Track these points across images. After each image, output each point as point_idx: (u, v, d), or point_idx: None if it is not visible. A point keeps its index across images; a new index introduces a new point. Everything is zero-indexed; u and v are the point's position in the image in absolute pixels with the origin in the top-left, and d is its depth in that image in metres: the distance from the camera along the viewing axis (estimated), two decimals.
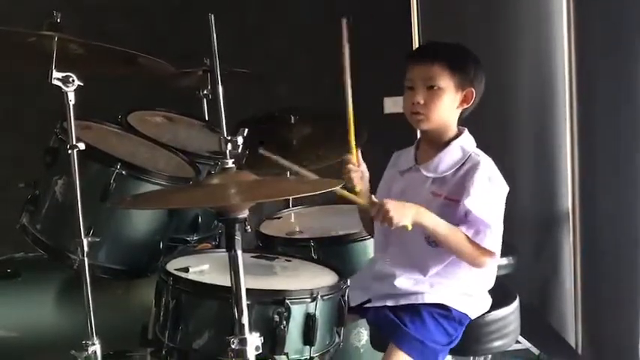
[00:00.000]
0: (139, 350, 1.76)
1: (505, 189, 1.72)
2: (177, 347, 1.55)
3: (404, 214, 1.60)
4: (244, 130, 1.35)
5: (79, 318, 1.68)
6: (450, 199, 1.69)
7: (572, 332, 2.83)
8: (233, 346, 1.31)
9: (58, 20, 1.59)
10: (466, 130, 1.78)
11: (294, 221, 2.39)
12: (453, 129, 1.76)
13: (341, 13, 3.53)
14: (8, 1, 3.12)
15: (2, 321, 1.87)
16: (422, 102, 1.69)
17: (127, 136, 2.09)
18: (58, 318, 1.92)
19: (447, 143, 1.75)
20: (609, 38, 2.32)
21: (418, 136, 1.90)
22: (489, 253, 1.66)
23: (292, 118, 2.57)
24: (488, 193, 1.67)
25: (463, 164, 1.71)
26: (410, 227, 1.61)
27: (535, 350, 2.64)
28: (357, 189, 1.71)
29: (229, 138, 1.33)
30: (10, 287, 1.93)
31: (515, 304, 1.85)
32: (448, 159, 1.73)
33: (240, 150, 1.35)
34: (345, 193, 1.68)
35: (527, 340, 2.62)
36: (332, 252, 2.04)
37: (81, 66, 1.68)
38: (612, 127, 2.37)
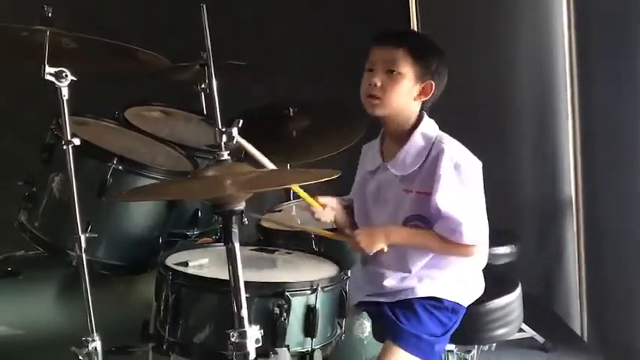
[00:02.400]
0: (141, 345, 1.76)
1: (477, 166, 1.67)
2: (178, 342, 1.54)
3: (374, 241, 1.65)
4: (239, 122, 1.34)
5: (81, 315, 1.67)
6: (420, 193, 1.66)
7: (578, 320, 2.83)
8: (233, 340, 1.30)
9: (50, 14, 1.58)
10: (425, 114, 1.73)
11: (295, 214, 2.38)
12: (412, 118, 1.71)
13: (340, 6, 3.50)
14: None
15: (4, 319, 1.87)
16: (379, 84, 1.66)
17: (124, 132, 2.08)
18: (59, 315, 1.91)
19: (409, 134, 1.70)
20: (609, 30, 2.31)
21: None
22: (470, 246, 1.64)
23: (291, 110, 2.56)
24: (457, 185, 1.63)
25: (428, 154, 1.67)
26: (385, 249, 1.65)
27: (540, 338, 2.63)
28: (332, 221, 1.78)
29: (224, 130, 1.31)
30: (10, 285, 1.92)
31: (518, 291, 1.84)
32: (412, 151, 1.69)
33: (236, 142, 1.34)
34: (325, 232, 1.79)
35: (532, 329, 2.61)
36: (333, 244, 2.03)
37: (75, 61, 1.67)
38: (613, 114, 2.36)
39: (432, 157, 1.66)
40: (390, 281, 1.72)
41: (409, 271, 1.71)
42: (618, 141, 2.33)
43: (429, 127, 1.71)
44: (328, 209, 1.77)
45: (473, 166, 1.66)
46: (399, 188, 1.70)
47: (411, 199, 1.68)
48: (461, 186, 1.63)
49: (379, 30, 1.72)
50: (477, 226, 1.64)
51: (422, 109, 1.73)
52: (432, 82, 1.68)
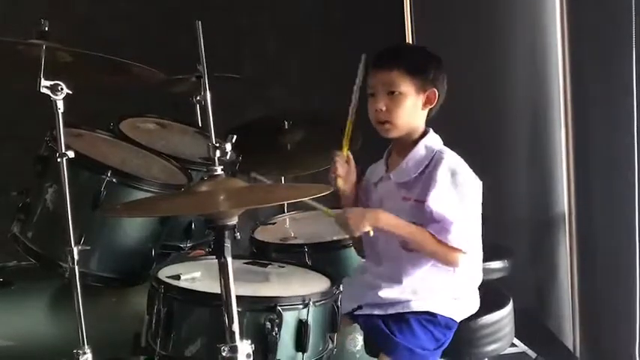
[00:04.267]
0: (132, 358, 1.75)
1: (476, 183, 1.70)
2: (170, 355, 1.54)
3: (362, 220, 1.65)
4: (233, 137, 1.35)
5: (73, 327, 1.67)
6: (418, 201, 1.69)
7: (570, 335, 2.82)
8: (224, 354, 1.30)
9: (46, 28, 1.59)
10: (431, 129, 1.77)
11: (288, 227, 2.39)
12: (419, 130, 1.76)
13: (335, 17, 3.53)
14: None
15: None
16: (384, 108, 1.70)
17: (119, 144, 2.08)
18: (51, 327, 1.90)
19: (414, 145, 1.74)
20: (602, 40, 2.32)
21: None
22: (457, 250, 1.65)
23: (286, 123, 2.58)
24: (451, 189, 1.66)
25: (428, 164, 1.71)
26: (371, 232, 1.65)
27: (532, 353, 2.63)
28: (339, 184, 1.75)
29: (217, 144, 1.32)
30: (2, 296, 1.92)
31: (509, 307, 1.85)
32: (413, 160, 1.73)
33: (229, 156, 1.35)
34: (314, 203, 1.74)
35: (524, 344, 2.61)
36: (326, 257, 2.04)
37: (71, 74, 1.67)
38: (607, 129, 2.37)
39: (431, 166, 1.70)
40: (386, 292, 1.73)
41: (404, 282, 1.72)
42: (612, 155, 2.35)
43: (432, 139, 1.75)
44: (346, 166, 1.76)
45: (470, 181, 1.69)
46: (400, 196, 1.73)
47: (409, 206, 1.70)
48: (454, 192, 1.66)
49: (375, 54, 1.75)
50: (465, 232, 1.65)
51: (429, 117, 1.76)
52: (435, 89, 1.72)
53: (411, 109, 1.70)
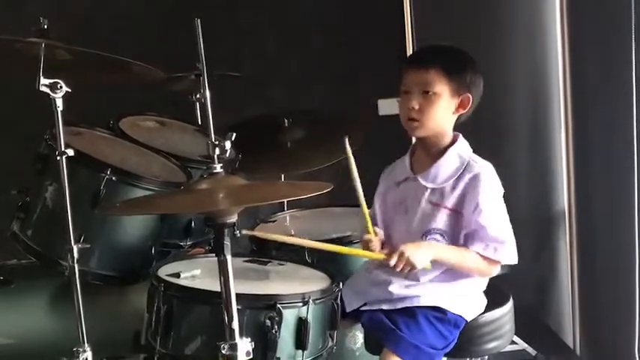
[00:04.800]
0: (132, 357, 1.75)
1: (502, 191, 1.72)
2: (170, 353, 1.55)
3: (422, 257, 1.63)
4: (232, 135, 1.34)
5: (73, 325, 1.67)
6: (452, 210, 1.69)
7: (570, 333, 2.82)
8: (224, 352, 1.31)
9: (45, 27, 1.59)
10: (460, 135, 1.76)
11: (288, 224, 2.39)
12: (449, 135, 1.75)
13: (335, 16, 3.52)
14: None
15: None
16: (417, 107, 1.68)
17: (118, 142, 2.08)
18: (51, 325, 1.91)
19: (444, 151, 1.73)
20: (602, 39, 2.32)
21: (413, 140, 1.88)
22: (498, 262, 1.69)
23: (286, 121, 2.57)
24: (495, 205, 1.68)
25: (462, 173, 1.70)
26: (430, 265, 1.65)
27: (532, 351, 2.63)
28: (383, 251, 1.71)
29: (217, 142, 1.32)
30: (2, 295, 1.92)
31: (509, 305, 1.85)
32: (446, 168, 1.72)
33: (228, 154, 1.35)
34: (363, 252, 1.74)
35: (524, 341, 2.61)
36: (326, 255, 2.03)
37: (70, 72, 1.67)
38: (607, 127, 2.36)
39: (467, 178, 1.69)
40: (396, 288, 1.72)
41: (417, 280, 1.72)
42: (612, 153, 2.34)
43: (463, 147, 1.74)
44: (377, 240, 1.74)
45: (501, 191, 1.71)
46: (427, 201, 1.72)
47: (439, 213, 1.69)
48: (498, 207, 1.69)
49: (413, 52, 1.75)
50: (514, 246, 1.69)
51: (457, 122, 1.75)
52: (469, 95, 1.71)
53: (443, 111, 1.69)
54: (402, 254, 1.61)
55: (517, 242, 2.87)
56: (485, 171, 1.70)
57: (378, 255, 1.68)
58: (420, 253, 1.62)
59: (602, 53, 2.32)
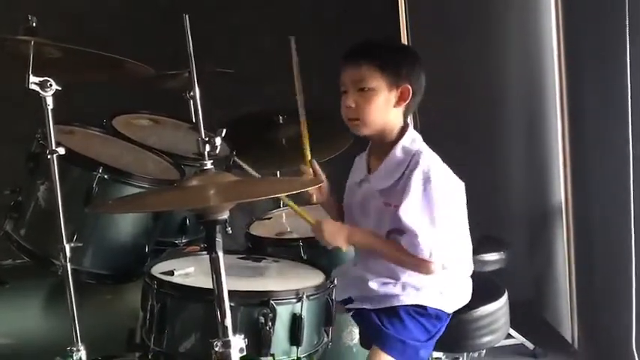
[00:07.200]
0: (127, 355, 1.75)
1: (452, 186, 1.66)
2: (164, 351, 1.54)
3: (335, 236, 1.65)
4: (222, 131, 1.34)
5: (67, 324, 1.67)
6: (397, 207, 1.64)
7: (568, 326, 2.82)
8: (217, 349, 1.30)
9: (34, 24, 1.58)
10: (409, 126, 1.71)
11: (284, 221, 2.38)
12: (396, 129, 1.70)
13: (330, 14, 3.52)
14: None
15: None
16: (353, 105, 1.65)
17: (111, 140, 2.08)
18: (46, 325, 1.91)
19: (392, 147, 1.69)
20: (597, 34, 2.31)
21: None
22: (427, 261, 1.62)
23: (280, 118, 2.57)
24: (422, 198, 1.61)
25: (407, 168, 1.65)
26: (345, 249, 1.66)
27: (530, 345, 2.63)
28: (315, 199, 1.74)
29: (207, 139, 1.31)
30: None
31: (504, 299, 1.84)
32: (391, 165, 1.68)
33: (221, 151, 1.34)
34: (295, 207, 1.75)
35: (522, 335, 2.61)
36: (321, 252, 2.02)
37: (61, 71, 1.67)
38: (602, 121, 2.36)
39: (408, 170, 1.64)
40: (374, 285, 1.72)
41: (394, 279, 1.71)
42: (607, 147, 2.34)
43: (411, 140, 1.69)
44: (324, 190, 1.76)
45: (442, 186, 1.63)
46: (380, 201, 1.70)
47: (390, 212, 1.66)
48: (425, 201, 1.61)
49: (345, 51, 1.70)
50: (434, 242, 1.61)
51: (406, 115, 1.72)
52: (408, 86, 1.66)
53: (383, 106, 1.65)
54: (319, 226, 1.65)
55: (514, 237, 2.88)
56: (425, 162, 1.63)
57: (311, 220, 1.71)
58: (334, 233, 1.65)
59: (597, 48, 2.32)
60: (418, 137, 1.71)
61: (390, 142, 1.70)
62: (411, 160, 1.65)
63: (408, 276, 1.70)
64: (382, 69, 1.64)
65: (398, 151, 1.68)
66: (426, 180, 1.62)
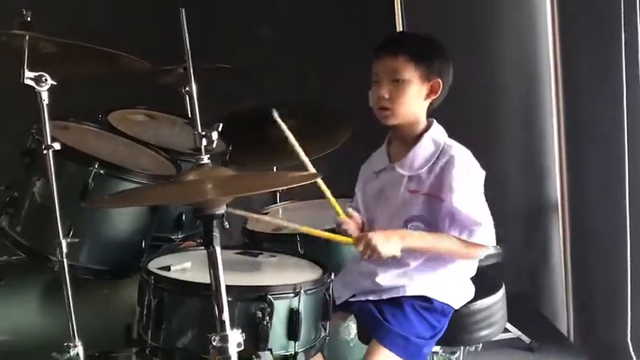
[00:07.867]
0: (124, 350, 1.75)
1: (482, 174, 1.71)
2: (161, 346, 1.54)
3: (390, 245, 1.61)
4: (219, 126, 1.33)
5: (64, 320, 1.66)
6: (430, 196, 1.68)
7: (564, 320, 2.84)
8: (214, 344, 1.30)
9: (29, 19, 1.57)
10: (434, 121, 1.76)
11: (281, 216, 2.38)
12: (422, 122, 1.74)
13: (329, 9, 3.47)
14: None
15: None
16: (387, 96, 1.68)
17: (107, 135, 2.07)
18: (42, 321, 1.90)
19: (418, 137, 1.73)
20: (592, 25, 2.32)
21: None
22: (482, 246, 1.67)
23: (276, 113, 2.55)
24: (470, 188, 1.67)
25: (438, 158, 1.70)
26: (399, 255, 1.62)
27: (526, 339, 2.64)
28: (355, 235, 1.69)
29: (204, 133, 1.31)
30: None
31: (501, 293, 1.85)
32: (422, 154, 1.71)
33: (218, 146, 1.34)
34: (331, 235, 1.70)
35: (518, 329, 2.61)
36: (318, 246, 2.02)
37: (57, 65, 1.66)
38: (598, 115, 2.37)
39: (442, 162, 1.68)
40: (383, 278, 1.72)
41: (407, 265, 1.71)
42: (603, 142, 2.35)
43: (438, 132, 1.74)
44: (353, 223, 1.73)
45: (479, 173, 1.70)
46: (406, 189, 1.72)
47: (417, 200, 1.69)
48: (473, 189, 1.67)
49: (380, 41, 1.72)
50: (491, 227, 1.67)
51: (430, 109, 1.74)
52: (439, 80, 1.70)
53: (414, 98, 1.68)
54: (368, 242, 1.59)
55: (510, 230, 2.89)
56: (460, 154, 1.69)
57: (348, 239, 1.67)
58: (387, 242, 1.60)
59: (593, 44, 2.33)
60: (443, 130, 1.75)
61: (415, 134, 1.73)
62: (441, 152, 1.70)
63: (417, 266, 1.71)
64: (417, 62, 1.67)
65: (427, 141, 1.72)
66: (468, 170, 1.67)
